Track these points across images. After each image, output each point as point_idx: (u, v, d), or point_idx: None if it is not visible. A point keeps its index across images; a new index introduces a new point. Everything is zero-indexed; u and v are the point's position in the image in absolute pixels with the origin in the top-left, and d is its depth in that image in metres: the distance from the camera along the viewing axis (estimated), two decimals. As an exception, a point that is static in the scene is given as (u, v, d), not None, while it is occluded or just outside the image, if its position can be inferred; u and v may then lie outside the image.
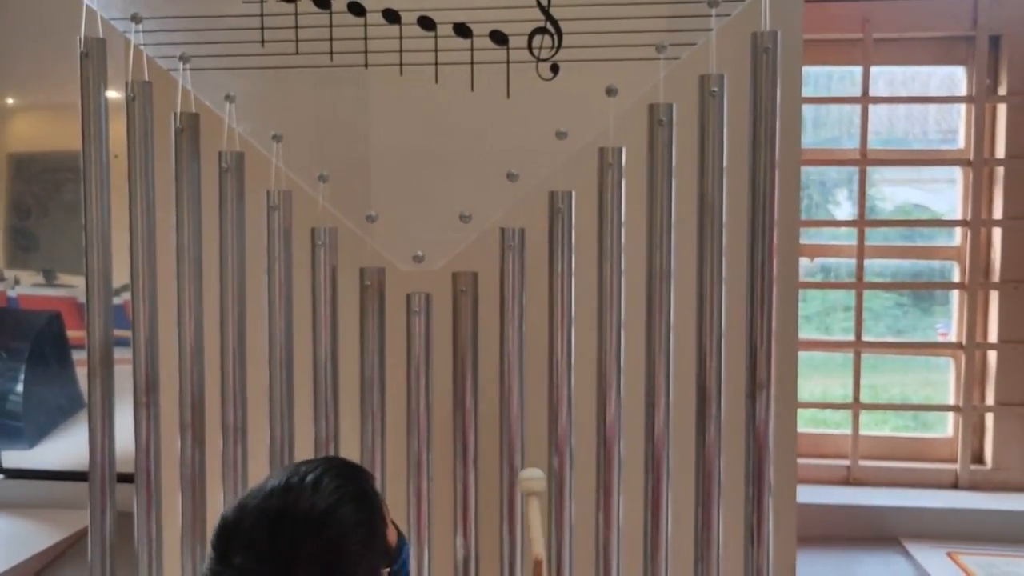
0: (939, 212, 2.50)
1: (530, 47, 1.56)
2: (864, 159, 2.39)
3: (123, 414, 1.67)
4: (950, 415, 2.42)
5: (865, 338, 2.41)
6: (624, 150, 1.51)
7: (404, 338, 1.58)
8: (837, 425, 2.47)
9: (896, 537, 2.24)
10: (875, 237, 2.44)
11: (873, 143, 2.40)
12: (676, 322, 1.51)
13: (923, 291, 2.51)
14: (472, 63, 1.57)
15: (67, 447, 2.46)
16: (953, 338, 2.42)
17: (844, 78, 2.46)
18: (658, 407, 1.52)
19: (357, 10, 1.58)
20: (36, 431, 2.48)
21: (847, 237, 2.44)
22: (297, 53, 1.60)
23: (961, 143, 2.41)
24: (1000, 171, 2.35)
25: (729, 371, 1.51)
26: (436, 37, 1.57)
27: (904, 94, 2.46)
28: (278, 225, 1.59)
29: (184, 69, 1.61)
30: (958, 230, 2.41)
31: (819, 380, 2.51)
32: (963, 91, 2.39)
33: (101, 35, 1.62)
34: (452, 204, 1.59)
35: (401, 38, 1.58)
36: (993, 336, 2.36)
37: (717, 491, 1.51)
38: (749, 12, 1.49)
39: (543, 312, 1.53)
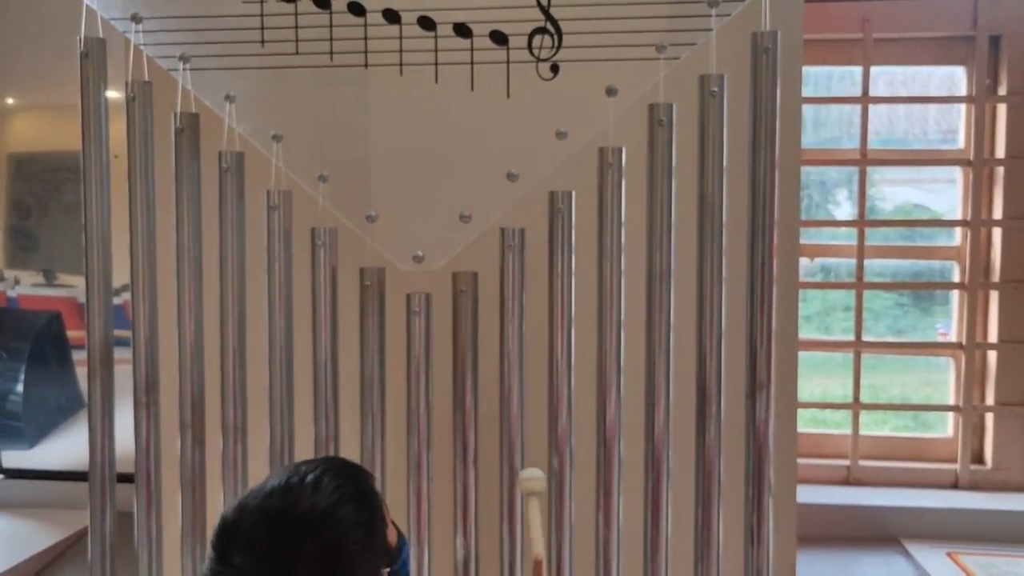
0: (939, 212, 2.50)
1: (530, 47, 1.56)
2: (864, 159, 2.39)
3: (123, 414, 1.67)
4: (950, 415, 2.42)
5: (865, 338, 2.41)
6: (624, 150, 1.51)
7: (404, 338, 1.58)
8: (837, 425, 2.47)
9: (896, 537, 2.24)
10: (875, 237, 2.44)
11: (873, 143, 2.40)
12: (676, 322, 1.51)
13: (923, 291, 2.51)
14: (472, 63, 1.57)
15: (67, 447, 2.46)
16: (953, 338, 2.42)
17: (844, 78, 2.46)
18: (658, 407, 1.52)
19: (357, 10, 1.58)
20: (36, 431, 2.48)
21: (847, 237, 2.44)
22: (297, 53, 1.60)
23: (961, 143, 2.41)
24: (1000, 171, 2.35)
25: (729, 371, 1.51)
26: (436, 37, 1.57)
27: (904, 94, 2.46)
28: (278, 225, 1.59)
29: (184, 69, 1.61)
30: (958, 230, 2.41)
31: (819, 380, 2.50)
32: (963, 91, 2.39)
33: (101, 35, 1.62)
34: (452, 204, 1.59)
35: (401, 38, 1.58)
36: (993, 336, 2.36)
37: (717, 491, 1.51)
38: (749, 12, 1.49)
39: (543, 312, 1.53)
